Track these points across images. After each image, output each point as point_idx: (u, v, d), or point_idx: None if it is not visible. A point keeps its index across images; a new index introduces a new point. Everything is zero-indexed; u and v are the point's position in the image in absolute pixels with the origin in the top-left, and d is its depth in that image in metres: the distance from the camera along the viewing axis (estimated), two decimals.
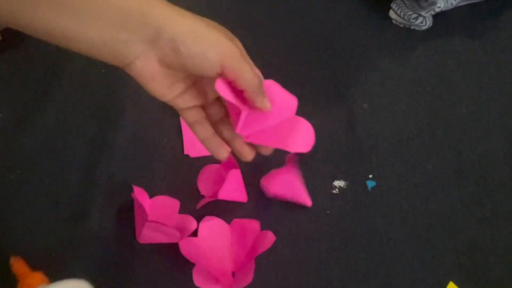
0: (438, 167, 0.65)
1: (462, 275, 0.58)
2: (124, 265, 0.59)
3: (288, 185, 0.61)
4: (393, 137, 0.67)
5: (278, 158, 0.64)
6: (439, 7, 0.72)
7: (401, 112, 0.69)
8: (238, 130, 0.45)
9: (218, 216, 0.60)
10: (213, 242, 0.59)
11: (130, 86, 0.69)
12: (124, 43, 0.40)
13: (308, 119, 0.68)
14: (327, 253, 0.60)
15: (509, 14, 0.77)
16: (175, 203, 0.61)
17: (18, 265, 0.56)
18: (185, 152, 0.65)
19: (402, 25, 0.76)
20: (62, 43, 0.40)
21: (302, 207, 0.62)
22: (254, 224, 0.59)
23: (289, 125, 0.47)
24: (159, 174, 0.64)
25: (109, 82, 0.70)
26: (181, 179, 0.64)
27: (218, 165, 0.64)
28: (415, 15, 0.73)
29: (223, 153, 0.48)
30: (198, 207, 0.61)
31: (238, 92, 0.43)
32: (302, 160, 0.62)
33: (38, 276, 0.54)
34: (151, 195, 0.62)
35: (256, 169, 0.64)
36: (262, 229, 0.59)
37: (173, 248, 0.57)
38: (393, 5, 0.75)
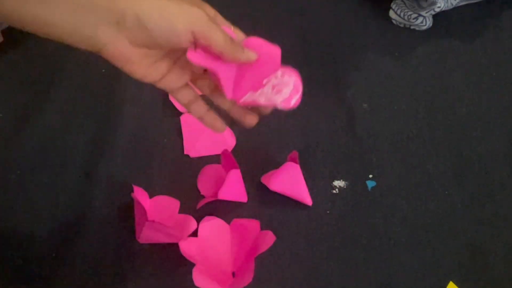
0: (438, 167, 0.65)
1: (462, 275, 0.58)
2: (124, 265, 0.59)
3: (289, 181, 0.61)
4: (393, 137, 0.67)
5: (278, 159, 0.64)
6: (439, 7, 0.72)
7: (401, 112, 0.69)
8: (228, 95, 0.46)
9: (218, 216, 0.60)
10: (213, 242, 0.59)
11: (130, 86, 0.69)
12: (92, 27, 0.41)
13: (308, 119, 0.68)
14: (327, 253, 0.60)
15: (509, 14, 0.77)
16: (175, 203, 0.61)
17: None
18: (185, 152, 0.65)
19: (402, 25, 0.76)
20: (33, 29, 0.41)
21: (302, 207, 0.62)
22: (254, 224, 0.59)
23: (278, 81, 0.47)
24: (159, 174, 0.64)
25: (109, 82, 0.70)
26: (181, 179, 0.64)
27: (218, 165, 0.64)
28: (415, 15, 0.73)
29: (219, 126, 0.49)
30: (198, 207, 0.61)
31: (219, 57, 0.44)
32: (302, 160, 0.63)
33: None
34: (151, 195, 0.62)
35: (256, 169, 0.64)
36: (262, 229, 0.59)
37: (173, 248, 0.57)
38: (393, 5, 0.75)
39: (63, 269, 0.58)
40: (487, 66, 0.73)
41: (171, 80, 0.46)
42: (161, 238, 0.58)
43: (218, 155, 0.64)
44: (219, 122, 0.49)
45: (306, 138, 0.67)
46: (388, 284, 0.58)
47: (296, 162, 0.61)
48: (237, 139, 0.66)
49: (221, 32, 0.43)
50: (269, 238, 0.56)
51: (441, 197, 0.63)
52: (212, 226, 0.59)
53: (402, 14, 0.74)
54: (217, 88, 0.48)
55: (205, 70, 0.48)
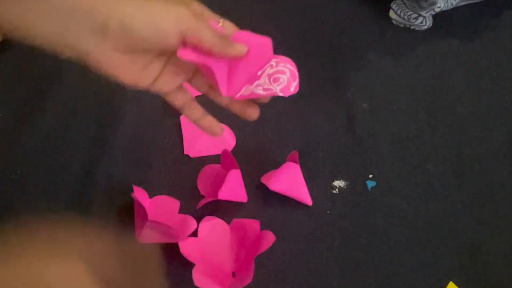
0: (438, 167, 0.65)
1: (462, 275, 0.58)
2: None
3: (289, 181, 0.61)
4: (393, 137, 0.67)
5: (278, 159, 0.64)
6: (439, 7, 0.72)
7: (401, 112, 0.69)
8: (223, 92, 0.45)
9: (218, 216, 0.60)
10: (213, 242, 0.59)
11: None
12: (75, 35, 0.40)
13: (308, 119, 0.68)
14: (327, 253, 0.60)
15: (509, 14, 0.77)
16: (175, 203, 0.61)
17: None
18: (185, 152, 0.65)
19: (402, 25, 0.76)
20: (16, 36, 0.41)
21: (302, 207, 0.62)
22: (254, 224, 0.59)
23: (274, 70, 0.46)
24: (159, 174, 0.64)
25: (109, 82, 0.70)
26: (181, 179, 0.64)
27: (218, 165, 0.64)
28: (415, 15, 0.73)
29: (217, 130, 0.48)
30: (198, 207, 0.61)
31: (210, 54, 0.43)
32: (302, 160, 0.62)
33: None
34: (151, 195, 0.62)
35: (256, 169, 0.64)
36: (262, 229, 0.59)
37: (173, 248, 0.57)
38: (393, 5, 0.75)
39: None
40: (487, 66, 0.73)
41: (164, 83, 0.45)
42: (161, 238, 0.58)
43: (218, 155, 0.64)
44: (216, 125, 0.48)
45: (306, 138, 0.67)
46: (388, 284, 0.58)
47: (296, 162, 0.61)
48: (237, 139, 0.66)
49: (208, 29, 0.42)
50: (269, 238, 0.56)
51: (441, 197, 0.63)
52: (212, 226, 0.59)
53: (402, 14, 0.74)
54: (213, 86, 0.47)
55: (198, 69, 0.47)
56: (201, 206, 0.61)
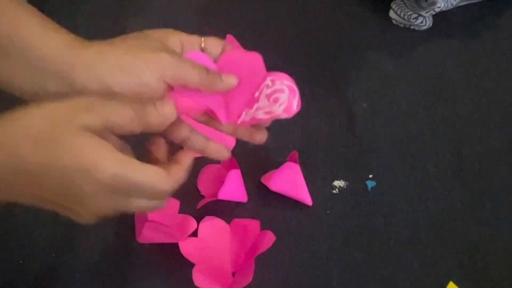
0: (438, 167, 0.65)
1: (462, 275, 0.58)
2: (124, 265, 0.59)
3: (289, 181, 0.61)
4: (393, 137, 0.67)
5: (278, 159, 0.64)
6: (439, 7, 0.72)
7: (401, 112, 0.69)
8: (223, 121, 0.44)
9: (218, 216, 0.60)
10: (213, 242, 0.58)
11: None
12: (53, 96, 0.40)
13: (308, 119, 0.68)
14: (327, 253, 0.60)
15: (509, 14, 0.77)
16: (175, 203, 0.61)
17: None
18: None
19: (402, 25, 0.76)
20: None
21: (302, 207, 0.62)
22: (254, 224, 0.59)
23: (271, 89, 0.44)
24: None
25: None
26: None
27: (218, 165, 0.64)
28: (415, 15, 0.73)
29: (224, 154, 0.47)
30: (198, 207, 0.61)
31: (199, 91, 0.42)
32: (302, 160, 0.62)
33: None
34: None
35: (256, 169, 0.64)
36: (262, 229, 0.59)
37: (173, 248, 0.57)
38: (393, 5, 0.75)
39: (63, 269, 0.58)
40: (487, 66, 0.73)
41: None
42: (161, 238, 0.58)
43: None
44: (222, 150, 0.47)
45: (306, 138, 0.67)
46: (388, 284, 0.58)
47: (296, 162, 0.61)
48: (237, 139, 0.66)
49: (192, 69, 0.41)
50: (269, 238, 0.56)
51: (441, 197, 0.63)
52: (212, 226, 0.59)
53: (402, 14, 0.74)
54: (211, 115, 0.46)
55: None
56: (201, 206, 0.61)
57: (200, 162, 0.65)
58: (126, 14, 0.77)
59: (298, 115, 0.68)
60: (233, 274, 0.58)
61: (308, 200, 0.62)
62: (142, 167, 0.37)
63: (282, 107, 0.44)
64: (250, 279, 0.53)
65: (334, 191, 0.63)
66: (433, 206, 0.62)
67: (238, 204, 0.62)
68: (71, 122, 0.36)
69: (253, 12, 0.77)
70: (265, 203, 0.62)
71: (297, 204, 0.62)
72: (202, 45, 0.45)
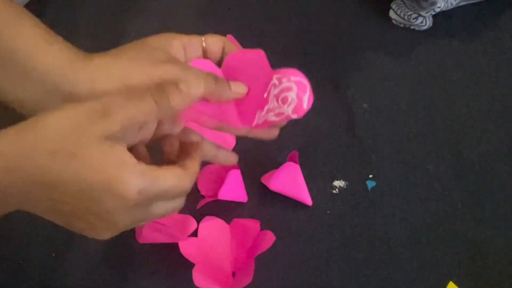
0: (438, 167, 0.65)
1: (462, 275, 0.58)
2: (124, 265, 0.59)
3: (289, 181, 0.61)
4: (393, 137, 0.67)
5: (278, 159, 0.64)
6: (439, 7, 0.72)
7: (401, 112, 0.69)
8: (239, 125, 0.43)
9: (218, 216, 0.60)
10: (213, 242, 0.58)
11: None
12: (46, 104, 0.40)
13: (308, 119, 0.68)
14: (327, 253, 0.60)
15: (509, 14, 0.77)
16: None
17: None
18: None
19: (402, 25, 0.76)
20: None
21: (302, 207, 0.62)
22: (254, 224, 0.59)
23: (278, 89, 0.42)
24: None
25: None
26: None
27: (218, 165, 0.64)
28: (415, 15, 0.73)
29: (233, 160, 0.48)
30: (198, 207, 0.61)
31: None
32: (302, 160, 0.62)
33: None
34: None
35: (256, 169, 0.64)
36: (262, 229, 0.59)
37: (173, 248, 0.57)
38: (393, 5, 0.75)
39: (63, 269, 0.58)
40: (487, 66, 0.73)
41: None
42: (161, 238, 0.58)
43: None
44: (231, 156, 0.47)
45: (306, 138, 0.67)
46: (388, 284, 0.58)
47: (296, 162, 0.61)
48: (237, 139, 0.66)
49: (197, 79, 0.39)
50: (269, 238, 0.56)
51: (441, 197, 0.63)
52: (212, 226, 0.59)
53: (402, 14, 0.74)
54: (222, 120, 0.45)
55: None
56: (201, 206, 0.61)
57: (200, 162, 0.65)
58: (126, 14, 0.77)
59: None
60: (233, 274, 0.58)
61: (308, 200, 0.62)
62: (163, 173, 0.36)
63: (291, 107, 0.42)
64: (250, 279, 0.53)
65: (334, 191, 0.63)
66: (433, 206, 0.62)
67: (238, 204, 0.62)
68: (89, 131, 0.34)
69: (253, 12, 0.77)
70: (265, 203, 0.62)
71: (297, 204, 0.62)
72: (204, 44, 0.44)
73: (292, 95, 0.42)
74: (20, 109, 0.41)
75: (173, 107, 0.37)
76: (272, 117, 0.43)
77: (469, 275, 0.58)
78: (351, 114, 0.69)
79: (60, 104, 0.38)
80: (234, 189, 0.61)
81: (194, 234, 0.59)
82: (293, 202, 0.62)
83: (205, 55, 0.45)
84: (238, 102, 0.43)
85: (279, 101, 0.42)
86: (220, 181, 0.61)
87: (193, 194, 0.62)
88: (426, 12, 0.73)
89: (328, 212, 0.62)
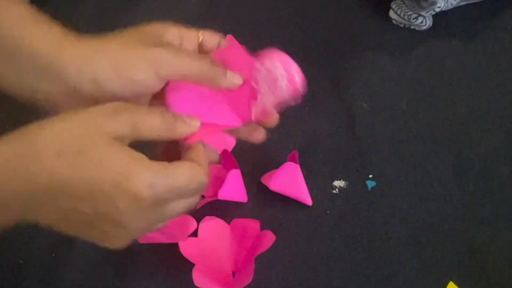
0: (438, 167, 0.65)
1: (462, 275, 0.58)
2: (124, 265, 0.59)
3: (289, 181, 0.61)
4: (393, 137, 0.67)
5: (278, 159, 0.64)
6: (439, 7, 0.72)
7: (401, 112, 0.69)
8: (239, 124, 0.43)
9: (218, 216, 0.60)
10: (213, 242, 0.58)
11: None
12: (46, 94, 0.39)
13: (308, 119, 0.68)
14: (327, 253, 0.60)
15: (509, 14, 0.77)
16: None
17: None
18: None
19: (402, 25, 0.76)
20: None
21: (302, 207, 0.62)
22: (254, 224, 0.59)
23: (263, 74, 0.42)
24: None
25: None
26: None
27: (218, 165, 0.64)
28: (415, 15, 0.73)
29: (260, 135, 0.46)
30: (198, 207, 0.61)
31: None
32: (302, 160, 0.62)
33: None
34: None
35: (256, 169, 0.64)
36: (262, 229, 0.59)
37: (173, 248, 0.57)
38: (393, 5, 0.75)
39: (63, 269, 0.58)
40: (487, 66, 0.73)
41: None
42: (161, 238, 0.58)
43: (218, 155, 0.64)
44: (259, 131, 0.46)
45: (306, 138, 0.67)
46: (388, 284, 0.58)
47: (296, 162, 0.61)
48: (237, 139, 0.66)
49: (190, 59, 0.39)
50: (269, 238, 0.56)
51: (441, 197, 0.63)
52: (212, 226, 0.59)
53: (402, 14, 0.74)
54: None
55: None
56: (201, 206, 0.61)
57: None
58: (126, 14, 0.77)
59: (298, 115, 0.68)
60: (233, 274, 0.58)
61: (308, 200, 0.62)
62: (175, 167, 0.35)
63: (284, 86, 0.41)
64: (250, 279, 0.53)
65: (334, 191, 0.63)
66: (433, 206, 0.62)
67: (238, 204, 0.62)
68: (98, 131, 0.33)
69: (253, 12, 0.77)
70: (265, 203, 0.62)
71: (297, 204, 0.62)
72: (200, 38, 0.44)
73: (282, 78, 0.41)
74: (18, 97, 0.40)
75: (177, 131, 0.38)
76: (269, 104, 0.42)
77: (469, 275, 0.58)
78: (351, 114, 0.69)
79: (53, 89, 0.38)
80: (234, 189, 0.61)
81: (194, 234, 0.59)
82: (293, 202, 0.62)
83: (200, 49, 0.44)
84: (231, 100, 0.43)
85: (270, 84, 0.41)
86: (220, 181, 0.61)
87: None
88: (426, 12, 0.73)
89: (328, 212, 0.62)
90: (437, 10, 0.72)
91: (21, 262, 0.58)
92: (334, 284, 0.58)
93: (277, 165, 0.62)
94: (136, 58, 0.39)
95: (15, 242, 0.60)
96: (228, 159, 0.61)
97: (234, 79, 0.41)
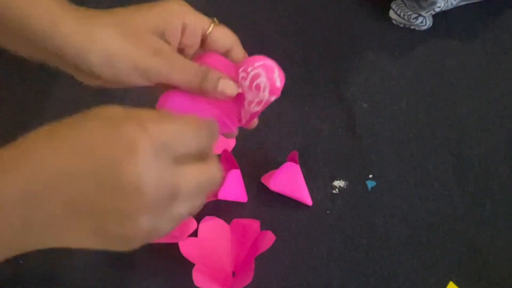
0: (438, 167, 0.65)
1: (462, 275, 0.58)
2: (124, 265, 0.59)
3: (289, 181, 0.61)
4: (393, 137, 0.67)
5: (278, 159, 0.64)
6: (439, 7, 0.72)
7: (401, 112, 0.69)
8: (233, 130, 0.45)
9: (218, 216, 0.60)
10: (213, 242, 0.58)
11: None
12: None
13: (308, 119, 0.68)
14: (327, 253, 0.60)
15: (509, 14, 0.77)
16: None
17: None
18: None
19: (402, 25, 0.76)
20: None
21: (302, 207, 0.62)
22: (254, 224, 0.59)
23: (249, 80, 0.43)
24: None
25: None
26: None
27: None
28: (415, 15, 0.73)
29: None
30: None
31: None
32: (302, 160, 0.62)
33: None
34: None
35: (256, 169, 0.64)
36: (262, 229, 0.59)
37: (173, 248, 0.57)
38: (393, 5, 0.75)
39: (63, 269, 0.58)
40: (487, 66, 0.73)
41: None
42: (161, 238, 0.58)
43: (218, 155, 0.64)
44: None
45: (306, 138, 0.67)
46: (388, 284, 0.58)
47: (296, 162, 0.61)
48: (237, 139, 0.66)
49: (181, 75, 0.41)
50: (269, 238, 0.56)
51: (441, 197, 0.63)
52: (212, 226, 0.59)
53: (402, 14, 0.74)
54: None
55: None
56: None
57: None
58: None
59: (298, 115, 0.68)
60: (233, 274, 0.58)
61: (308, 200, 0.62)
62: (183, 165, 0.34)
63: (266, 91, 0.42)
64: (250, 279, 0.53)
65: (334, 191, 0.63)
66: (433, 206, 0.62)
67: (238, 204, 0.62)
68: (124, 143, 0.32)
69: (253, 12, 0.77)
70: (265, 203, 0.62)
71: (297, 204, 0.62)
72: (208, 30, 0.44)
73: (263, 80, 0.42)
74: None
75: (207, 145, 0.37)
76: (255, 108, 0.43)
77: (469, 275, 0.58)
78: (351, 114, 0.69)
79: (59, 65, 0.42)
80: (234, 189, 0.61)
81: (194, 234, 0.59)
82: (293, 202, 0.62)
83: (203, 42, 0.45)
84: (222, 108, 0.44)
85: (254, 90, 0.43)
86: None
87: None
88: (426, 12, 0.73)
89: (328, 212, 0.62)
90: (437, 10, 0.72)
91: (21, 262, 0.58)
92: (334, 284, 0.58)
93: (277, 165, 0.62)
94: (128, 67, 0.41)
95: None
96: (228, 159, 0.61)
97: (227, 90, 0.42)
